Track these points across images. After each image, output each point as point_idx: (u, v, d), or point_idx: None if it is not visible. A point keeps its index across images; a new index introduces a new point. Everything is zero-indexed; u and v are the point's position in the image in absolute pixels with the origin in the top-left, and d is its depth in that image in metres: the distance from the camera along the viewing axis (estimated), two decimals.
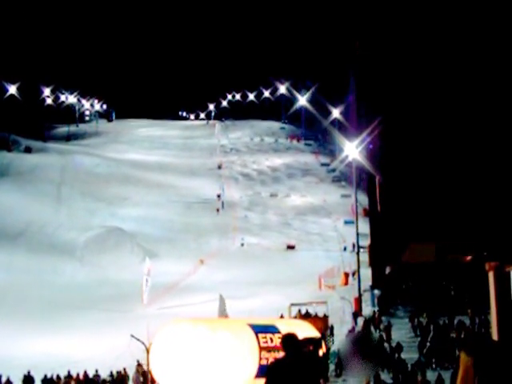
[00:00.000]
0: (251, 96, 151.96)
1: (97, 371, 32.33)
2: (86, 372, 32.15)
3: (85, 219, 72.70)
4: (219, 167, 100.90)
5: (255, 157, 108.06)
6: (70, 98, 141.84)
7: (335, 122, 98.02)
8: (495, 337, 13.06)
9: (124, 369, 32.18)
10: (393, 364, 27.80)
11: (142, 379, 30.99)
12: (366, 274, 43.49)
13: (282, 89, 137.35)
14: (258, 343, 9.14)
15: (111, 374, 32.15)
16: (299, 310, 37.97)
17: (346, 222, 71.55)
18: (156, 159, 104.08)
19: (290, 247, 68.40)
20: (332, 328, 35.76)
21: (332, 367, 29.33)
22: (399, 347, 29.86)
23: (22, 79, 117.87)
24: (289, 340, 6.30)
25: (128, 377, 32.00)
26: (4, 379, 31.18)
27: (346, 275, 52.25)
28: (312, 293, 47.20)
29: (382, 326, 34.65)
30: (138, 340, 28.48)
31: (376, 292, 41.28)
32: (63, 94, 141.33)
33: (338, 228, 73.27)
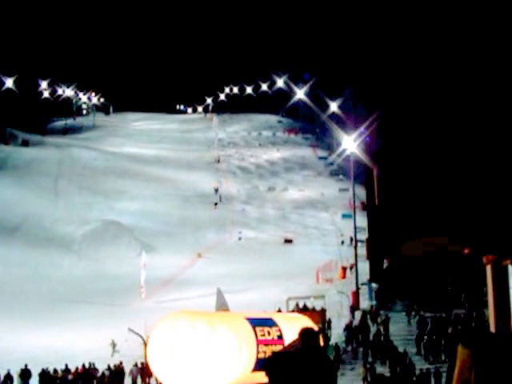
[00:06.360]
0: (249, 89, 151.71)
1: (94, 365, 32.29)
2: (84, 365, 32.11)
3: (82, 213, 72.62)
4: (217, 161, 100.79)
5: (253, 150, 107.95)
6: (68, 92, 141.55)
7: (333, 116, 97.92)
8: (493, 331, 13.06)
9: (121, 362, 32.17)
10: (390, 356, 27.81)
11: (139, 374, 31.03)
12: (364, 267, 43.43)
13: (280, 82, 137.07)
14: (256, 336, 9.10)
15: (108, 368, 32.11)
16: (297, 304, 37.97)
17: (344, 216, 71.52)
18: (153, 153, 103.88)
19: (288, 241, 68.31)
20: (330, 322, 35.82)
21: None
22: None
23: (19, 72, 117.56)
24: (308, 334, 6.14)
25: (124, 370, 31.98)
26: (2, 373, 31.13)
27: (344, 269, 52.31)
28: (310, 286, 47.26)
29: (379, 320, 34.69)
30: (136, 333, 28.48)
31: (374, 286, 41.31)
32: (60, 87, 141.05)
33: (335, 222, 73.23)
